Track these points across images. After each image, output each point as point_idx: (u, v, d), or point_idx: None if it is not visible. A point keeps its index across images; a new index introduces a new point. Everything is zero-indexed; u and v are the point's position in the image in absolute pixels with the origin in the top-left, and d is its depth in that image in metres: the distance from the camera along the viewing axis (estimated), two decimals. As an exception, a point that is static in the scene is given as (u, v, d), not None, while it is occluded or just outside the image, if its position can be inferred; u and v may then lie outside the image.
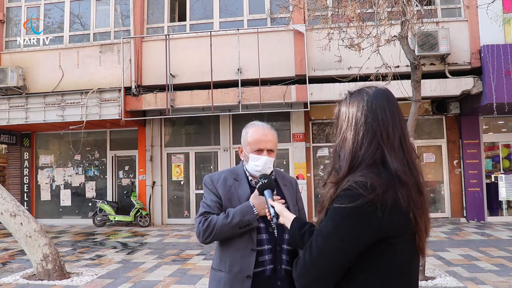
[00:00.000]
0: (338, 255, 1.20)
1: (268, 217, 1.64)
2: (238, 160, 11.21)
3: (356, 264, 1.22)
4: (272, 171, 2.07)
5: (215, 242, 1.99)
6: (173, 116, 10.97)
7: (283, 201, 1.84)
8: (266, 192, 1.74)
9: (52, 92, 11.00)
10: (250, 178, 2.04)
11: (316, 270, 1.23)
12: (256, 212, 1.86)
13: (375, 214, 1.17)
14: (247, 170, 2.06)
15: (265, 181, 1.77)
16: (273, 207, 1.62)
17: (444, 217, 10.97)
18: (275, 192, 1.87)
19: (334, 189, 1.26)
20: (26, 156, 12.69)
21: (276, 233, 1.91)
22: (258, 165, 1.98)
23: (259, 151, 1.99)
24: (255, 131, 2.02)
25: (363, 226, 1.18)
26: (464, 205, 10.83)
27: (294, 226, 1.47)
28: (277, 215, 1.59)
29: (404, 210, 1.20)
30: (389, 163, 1.23)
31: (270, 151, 2.00)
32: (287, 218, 1.54)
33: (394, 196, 1.18)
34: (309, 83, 10.09)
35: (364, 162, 1.25)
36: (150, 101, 10.70)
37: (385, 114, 1.29)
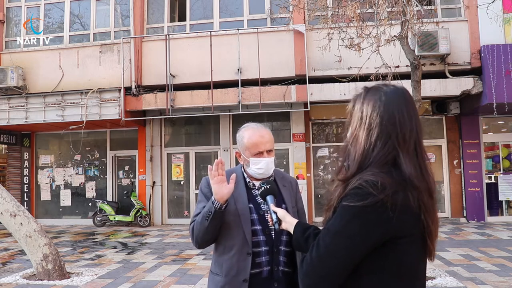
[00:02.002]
0: (345, 254, 1.19)
1: (270, 223, 1.64)
2: (238, 160, 11.21)
3: (363, 264, 1.21)
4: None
5: (212, 246, 1.99)
6: (173, 116, 10.97)
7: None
8: (268, 197, 1.73)
9: (52, 92, 11.00)
10: (248, 179, 2.02)
11: (322, 268, 1.21)
12: (213, 199, 1.83)
13: (384, 213, 1.16)
14: (245, 171, 2.04)
15: (267, 187, 1.76)
16: (275, 212, 1.61)
17: (444, 217, 10.96)
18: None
19: (343, 188, 1.25)
20: (26, 156, 12.69)
21: (273, 234, 1.90)
22: (261, 167, 1.96)
23: (259, 153, 1.96)
24: (251, 134, 1.99)
25: (372, 225, 1.17)
26: (464, 205, 10.83)
27: (298, 230, 1.46)
28: (279, 221, 1.58)
29: (414, 210, 1.19)
30: (403, 167, 1.21)
31: (269, 151, 1.98)
32: (290, 223, 1.52)
33: (404, 197, 1.17)
34: (309, 83, 10.09)
35: (375, 162, 1.23)
36: (150, 101, 10.70)
37: (402, 116, 1.25)
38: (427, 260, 1.31)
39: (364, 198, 1.16)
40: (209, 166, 1.86)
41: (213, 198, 1.83)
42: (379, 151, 1.24)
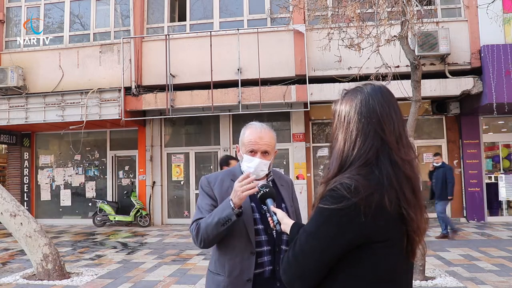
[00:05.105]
0: (318, 255, 1.20)
1: (272, 225, 1.64)
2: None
3: (338, 266, 1.21)
4: (270, 172, 2.05)
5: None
6: (173, 116, 10.97)
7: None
8: (268, 201, 1.73)
9: (52, 92, 11.00)
10: None
11: (297, 268, 1.23)
12: (232, 206, 1.78)
13: (357, 217, 1.15)
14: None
15: (266, 190, 1.76)
16: (275, 214, 1.62)
17: (444, 217, 10.94)
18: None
19: (324, 189, 1.25)
20: (26, 156, 12.69)
21: (275, 234, 1.90)
22: (251, 166, 1.94)
23: (252, 152, 1.96)
24: (251, 132, 1.99)
25: (344, 228, 1.17)
26: (464, 205, 10.83)
27: (293, 230, 1.46)
28: (279, 222, 1.59)
29: (391, 214, 1.17)
30: (382, 163, 1.20)
31: (265, 153, 1.96)
32: (287, 224, 1.53)
33: (379, 200, 1.16)
34: (309, 83, 10.09)
35: (356, 162, 1.22)
36: (150, 101, 10.70)
37: (381, 111, 1.25)
38: (414, 261, 1.29)
39: (338, 201, 1.16)
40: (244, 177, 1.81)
41: (232, 204, 1.78)
42: (359, 149, 1.23)
